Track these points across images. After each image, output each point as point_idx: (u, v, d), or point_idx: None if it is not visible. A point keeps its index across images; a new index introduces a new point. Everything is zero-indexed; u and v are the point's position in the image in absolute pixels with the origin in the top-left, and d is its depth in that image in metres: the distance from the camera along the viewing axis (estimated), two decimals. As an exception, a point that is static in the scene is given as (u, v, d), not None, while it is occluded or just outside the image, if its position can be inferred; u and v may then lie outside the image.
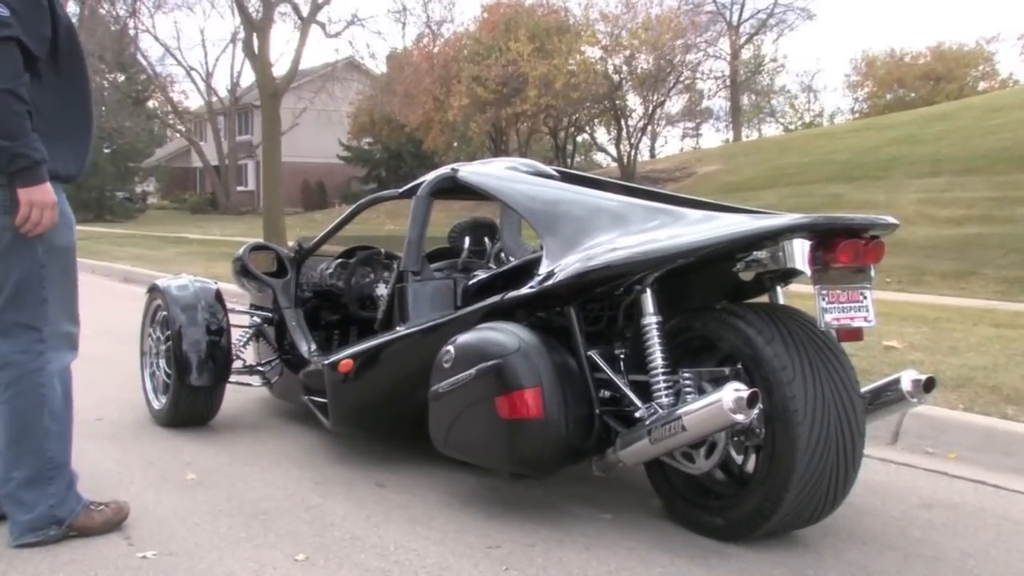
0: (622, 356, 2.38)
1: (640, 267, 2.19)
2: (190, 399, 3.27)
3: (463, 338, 2.37)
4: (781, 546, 2.15)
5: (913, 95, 29.00)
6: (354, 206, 3.58)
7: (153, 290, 3.58)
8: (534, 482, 2.60)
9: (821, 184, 13.34)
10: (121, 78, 29.70)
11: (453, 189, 3.00)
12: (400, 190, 3.24)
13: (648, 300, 2.23)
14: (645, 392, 2.21)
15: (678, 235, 2.18)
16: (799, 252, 2.04)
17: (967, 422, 3.04)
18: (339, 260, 3.55)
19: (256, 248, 3.80)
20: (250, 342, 3.65)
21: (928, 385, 2.22)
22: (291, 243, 4.29)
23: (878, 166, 13.45)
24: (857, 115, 32.41)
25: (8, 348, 2.09)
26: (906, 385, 2.23)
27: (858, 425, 2.05)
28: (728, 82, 30.56)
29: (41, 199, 2.02)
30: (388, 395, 2.81)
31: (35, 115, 2.01)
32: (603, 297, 2.47)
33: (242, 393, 3.75)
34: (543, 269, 2.45)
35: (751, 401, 1.89)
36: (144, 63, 29.96)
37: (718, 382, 2.14)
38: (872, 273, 2.10)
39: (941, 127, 15.17)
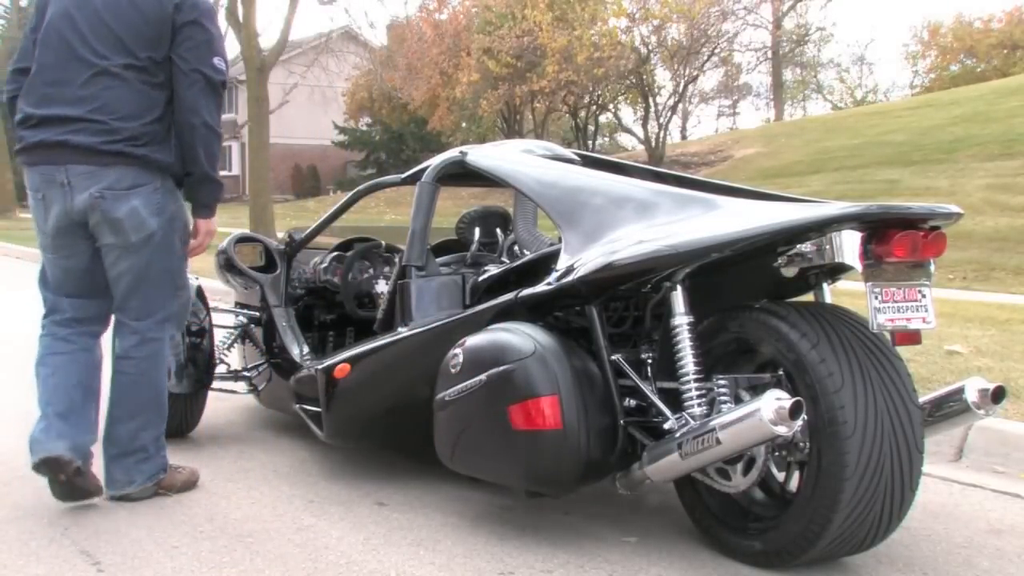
0: (649, 361, 2.39)
1: (670, 262, 2.19)
2: (168, 408, 3.30)
3: (472, 340, 2.39)
4: (827, 575, 2.15)
5: (984, 67, 28.73)
6: (351, 193, 3.60)
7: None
8: (551, 501, 2.61)
9: (874, 169, 13.28)
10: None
11: (461, 174, 3.01)
12: (402, 176, 3.25)
13: (678, 299, 2.23)
14: (675, 401, 2.22)
15: (712, 226, 2.19)
16: (849, 245, 2.04)
17: (1040, 437, 3.02)
18: (334, 253, 3.57)
19: (242, 240, 3.83)
20: (235, 344, 3.67)
21: (997, 395, 2.21)
22: (281, 234, 4.32)
23: (940, 148, 13.37)
24: (917, 90, 32.20)
25: (145, 327, 2.67)
26: (971, 395, 2.22)
27: (916, 440, 2.04)
28: (769, 54, 30.43)
29: (213, 228, 2.79)
30: (389, 404, 2.83)
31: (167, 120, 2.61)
32: (628, 295, 2.48)
33: (226, 401, 3.78)
34: (561, 264, 2.46)
35: (794, 412, 1.89)
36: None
37: (757, 390, 2.14)
38: (932, 269, 2.09)
39: (1016, 102, 15.05)
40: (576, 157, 3.11)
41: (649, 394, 2.28)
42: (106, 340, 2.80)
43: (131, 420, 2.65)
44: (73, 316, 2.70)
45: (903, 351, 2.14)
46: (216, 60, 2.60)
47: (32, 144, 2.56)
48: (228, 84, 2.70)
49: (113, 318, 2.75)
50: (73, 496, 2.58)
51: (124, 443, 2.65)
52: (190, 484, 2.78)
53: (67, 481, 2.54)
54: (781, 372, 2.11)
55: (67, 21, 2.56)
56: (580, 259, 2.40)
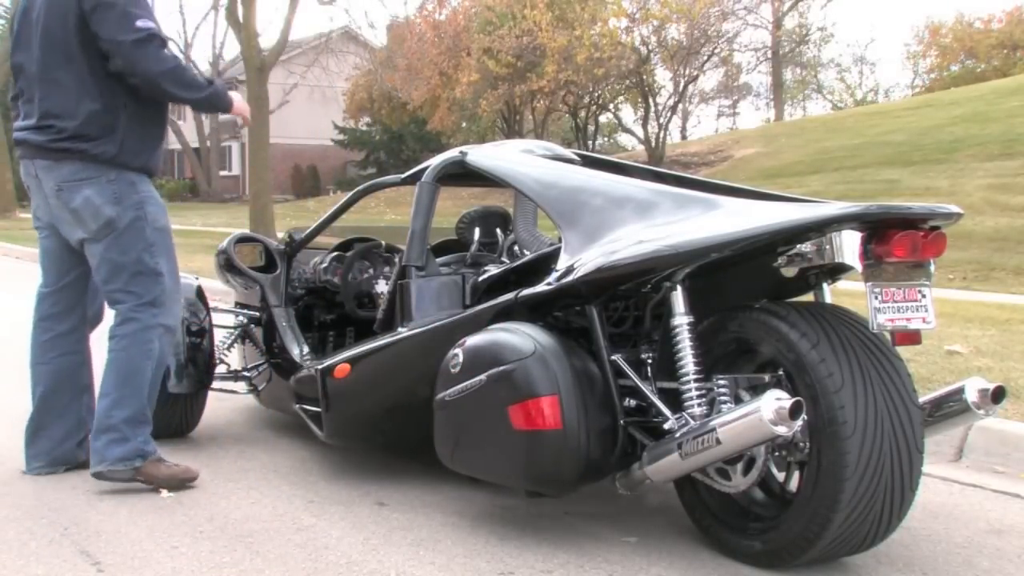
0: (649, 361, 2.39)
1: (670, 262, 2.19)
2: (168, 408, 3.30)
3: (472, 340, 2.39)
4: (827, 575, 2.15)
5: (984, 67, 28.74)
6: (351, 193, 3.60)
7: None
8: (551, 501, 2.61)
9: (874, 169, 13.28)
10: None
11: (461, 174, 3.01)
12: (402, 176, 3.25)
13: (678, 299, 2.23)
14: (675, 401, 2.22)
15: (712, 226, 2.19)
16: (849, 245, 2.04)
17: (1040, 437, 3.02)
18: (334, 253, 3.57)
19: (242, 240, 3.83)
20: (235, 344, 3.67)
21: (997, 395, 2.21)
22: (281, 234, 4.32)
23: (940, 148, 13.37)
24: (918, 90, 32.22)
25: (127, 308, 2.79)
26: (971, 395, 2.22)
27: (915, 439, 2.04)
28: (769, 54, 30.43)
29: (245, 106, 3.06)
30: (389, 404, 2.83)
31: (135, 116, 2.78)
32: (628, 295, 2.48)
33: (226, 401, 3.78)
34: (561, 264, 2.46)
35: (794, 411, 1.89)
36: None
37: (757, 390, 2.14)
38: (932, 269, 2.09)
39: (1016, 102, 15.05)
40: (576, 157, 3.11)
41: (649, 394, 2.28)
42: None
43: (106, 396, 2.76)
44: (51, 313, 2.92)
45: (903, 351, 2.14)
46: (138, 23, 2.68)
47: (14, 142, 2.92)
48: (168, 40, 2.87)
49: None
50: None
51: (100, 419, 2.75)
52: (176, 481, 2.79)
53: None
54: (781, 372, 2.11)
55: (24, 48, 2.82)
56: (580, 259, 2.40)
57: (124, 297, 2.80)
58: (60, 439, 2.90)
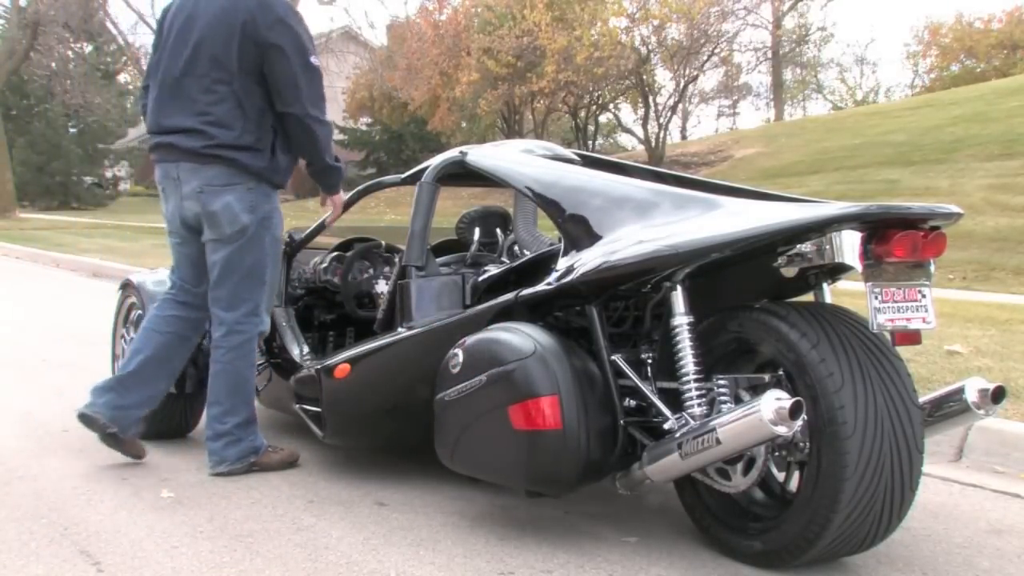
0: (649, 360, 2.39)
1: (670, 262, 2.19)
2: (168, 408, 3.30)
3: (472, 340, 2.39)
4: (827, 575, 2.15)
5: (984, 67, 28.75)
6: (351, 193, 3.60)
7: (126, 287, 3.61)
8: (551, 501, 2.61)
9: (874, 169, 13.27)
10: (88, 49, 29.72)
11: (462, 174, 3.02)
12: (402, 176, 3.26)
13: (678, 299, 2.23)
14: (675, 401, 2.22)
15: (712, 226, 2.19)
16: (848, 245, 2.04)
17: (1040, 437, 3.02)
18: (334, 253, 3.57)
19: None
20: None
21: (997, 395, 2.21)
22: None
23: (940, 148, 13.36)
24: (918, 90, 32.22)
25: (233, 318, 2.93)
26: (971, 395, 2.22)
27: (916, 439, 2.04)
28: (769, 54, 30.42)
29: (341, 200, 3.17)
30: (389, 404, 2.83)
31: (283, 136, 2.92)
32: (628, 295, 2.48)
33: (226, 401, 3.77)
34: (561, 264, 2.46)
35: (794, 412, 1.90)
36: (114, 32, 29.92)
37: (757, 390, 2.14)
38: (932, 269, 2.10)
39: (1016, 102, 15.03)
40: (576, 157, 3.11)
41: (649, 394, 2.28)
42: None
43: (218, 405, 2.94)
44: (183, 300, 3.05)
45: (903, 351, 2.14)
46: (311, 59, 2.85)
47: (153, 145, 2.98)
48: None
49: None
50: (115, 449, 2.96)
51: (214, 426, 2.93)
52: (286, 464, 3.01)
53: (102, 438, 2.93)
54: (781, 372, 2.11)
55: (176, 55, 2.88)
56: (580, 259, 2.40)
57: (230, 301, 2.93)
58: (132, 405, 2.96)
